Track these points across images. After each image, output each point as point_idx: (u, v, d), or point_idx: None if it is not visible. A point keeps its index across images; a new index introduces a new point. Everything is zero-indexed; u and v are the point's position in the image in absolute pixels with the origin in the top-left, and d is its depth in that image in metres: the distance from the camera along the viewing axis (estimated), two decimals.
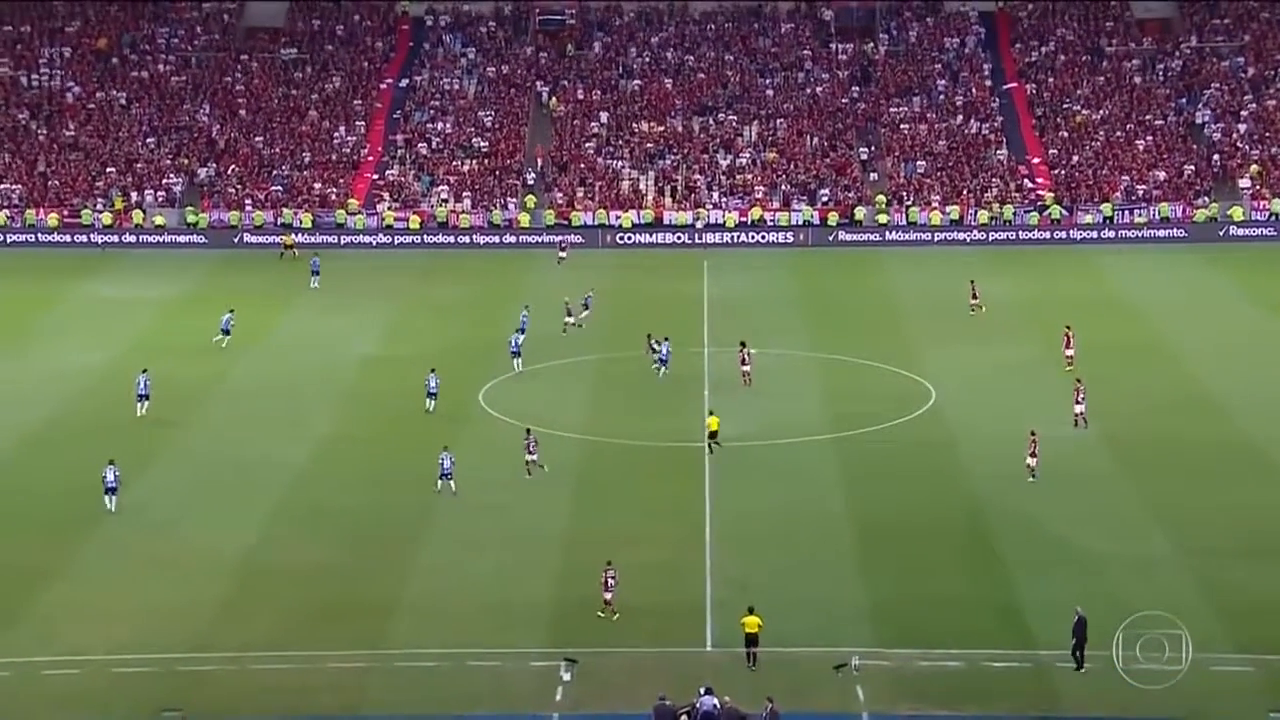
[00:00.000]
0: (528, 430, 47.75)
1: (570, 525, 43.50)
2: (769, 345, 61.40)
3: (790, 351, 60.85)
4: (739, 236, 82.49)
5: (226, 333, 60.34)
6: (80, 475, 46.46)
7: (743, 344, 56.48)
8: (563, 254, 77.28)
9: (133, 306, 68.21)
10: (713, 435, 49.19)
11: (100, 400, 52.96)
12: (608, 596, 37.82)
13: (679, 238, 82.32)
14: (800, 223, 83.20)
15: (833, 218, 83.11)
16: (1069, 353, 57.60)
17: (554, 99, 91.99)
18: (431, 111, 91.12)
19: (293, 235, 79.98)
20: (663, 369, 56.25)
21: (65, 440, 50.07)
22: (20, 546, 41.29)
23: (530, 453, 46.69)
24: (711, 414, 50.17)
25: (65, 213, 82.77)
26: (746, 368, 55.70)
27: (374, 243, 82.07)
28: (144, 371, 52.64)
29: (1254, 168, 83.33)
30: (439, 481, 45.41)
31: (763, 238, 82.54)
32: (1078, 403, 50.39)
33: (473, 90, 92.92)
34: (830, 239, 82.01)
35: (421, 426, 52.07)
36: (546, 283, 71.39)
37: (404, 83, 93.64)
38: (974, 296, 65.94)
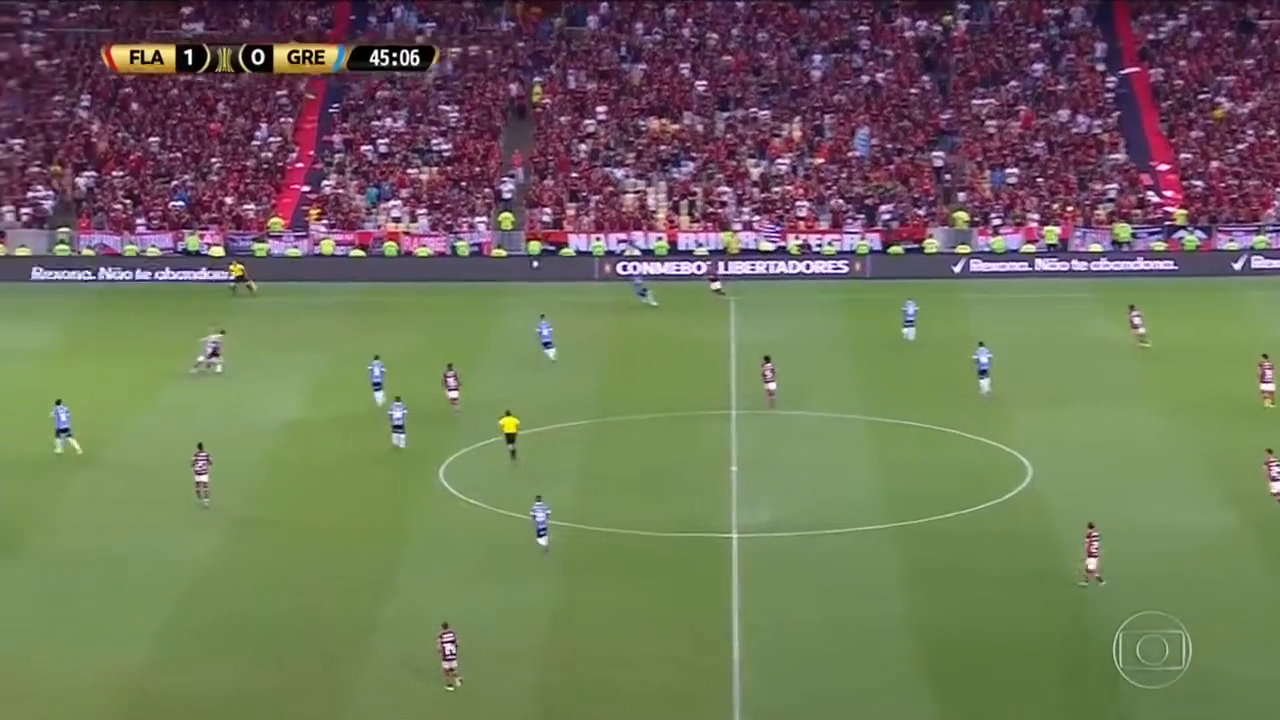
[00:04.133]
0: (200, 446, 51.90)
1: (551, 639, 43.52)
2: (812, 406, 61.57)
3: (839, 414, 60.97)
4: (776, 266, 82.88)
5: (215, 354, 64.75)
6: None
7: (766, 359, 60.68)
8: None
9: None
10: (510, 439, 54.84)
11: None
12: (449, 666, 39.82)
13: (699, 268, 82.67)
14: (855, 249, 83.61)
15: (898, 243, 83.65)
16: (1267, 387, 59.01)
17: (537, 89, 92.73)
18: (379, 105, 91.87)
19: (241, 264, 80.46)
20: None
21: None
22: None
23: (200, 473, 51.38)
24: (508, 414, 55.24)
25: None
26: (771, 385, 59.81)
27: (304, 274, 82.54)
28: (59, 403, 56.79)
29: None
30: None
31: (807, 268, 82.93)
32: (1274, 479, 50.27)
33: (432, 77, 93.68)
34: (894, 269, 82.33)
35: (361, 508, 52.22)
36: (533, 323, 71.75)
37: None
38: (1135, 327, 67.63)
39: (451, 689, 40.09)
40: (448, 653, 40.14)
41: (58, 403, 57.07)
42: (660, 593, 46.32)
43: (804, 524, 50.83)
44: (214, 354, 66.18)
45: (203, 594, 46.34)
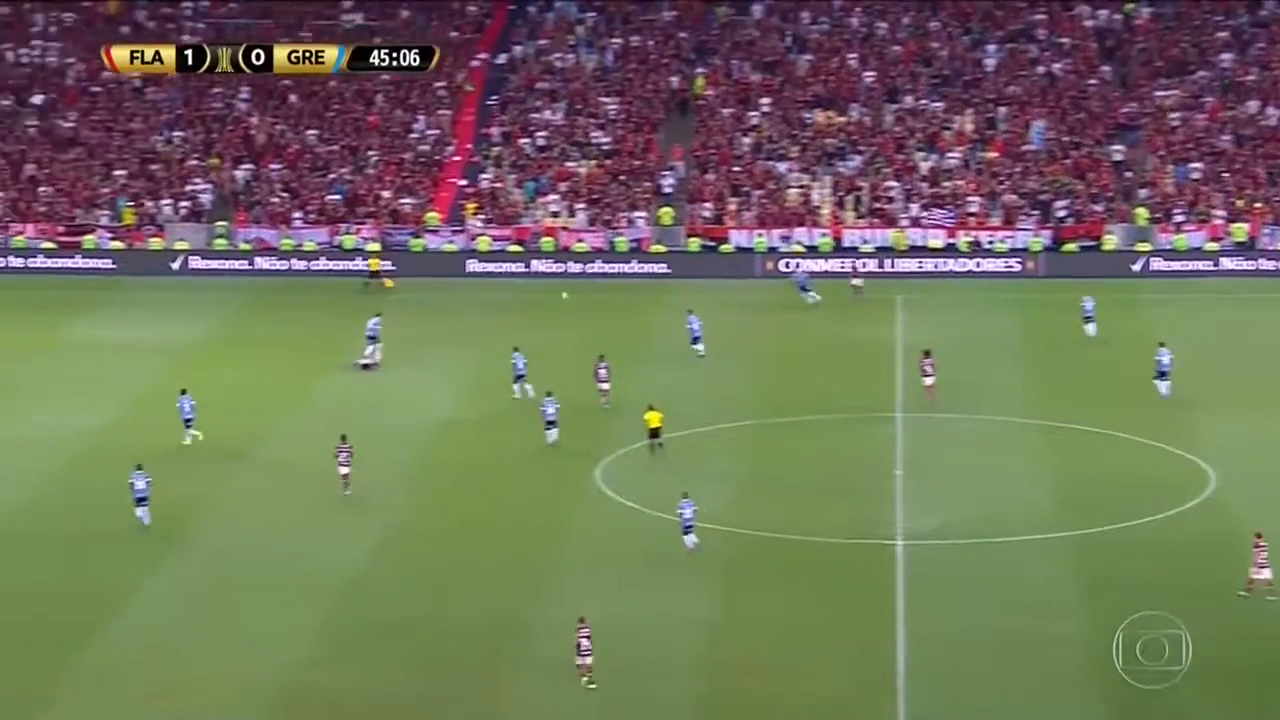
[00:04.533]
0: (343, 437, 53.66)
1: (710, 647, 43.60)
2: (982, 409, 61.13)
3: (1010, 418, 60.52)
4: (945, 264, 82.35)
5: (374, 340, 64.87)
6: (61, 578, 47.84)
7: (927, 353, 61.67)
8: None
9: (140, 354, 70.09)
10: (654, 434, 55.62)
11: (92, 479, 54.26)
12: (585, 662, 40.67)
13: (864, 265, 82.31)
14: (1028, 246, 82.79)
15: (1073, 240, 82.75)
16: None
17: (700, 80, 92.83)
18: (538, 97, 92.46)
19: (379, 259, 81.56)
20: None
21: (46, 532, 51.47)
22: None
23: (343, 465, 53.20)
24: (652, 408, 56.21)
25: (60, 230, 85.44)
26: (929, 380, 60.03)
27: (457, 270, 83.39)
28: (184, 393, 58.05)
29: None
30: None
31: (977, 265, 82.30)
32: None
33: (592, 68, 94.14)
34: (1069, 267, 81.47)
35: (516, 509, 52.71)
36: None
37: (502, 58, 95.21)
38: None
39: (591, 685, 40.63)
40: (583, 648, 40.77)
41: (182, 393, 58.51)
42: (822, 601, 46.24)
43: (972, 532, 50.49)
44: (372, 340, 67.09)
45: (358, 594, 46.99)
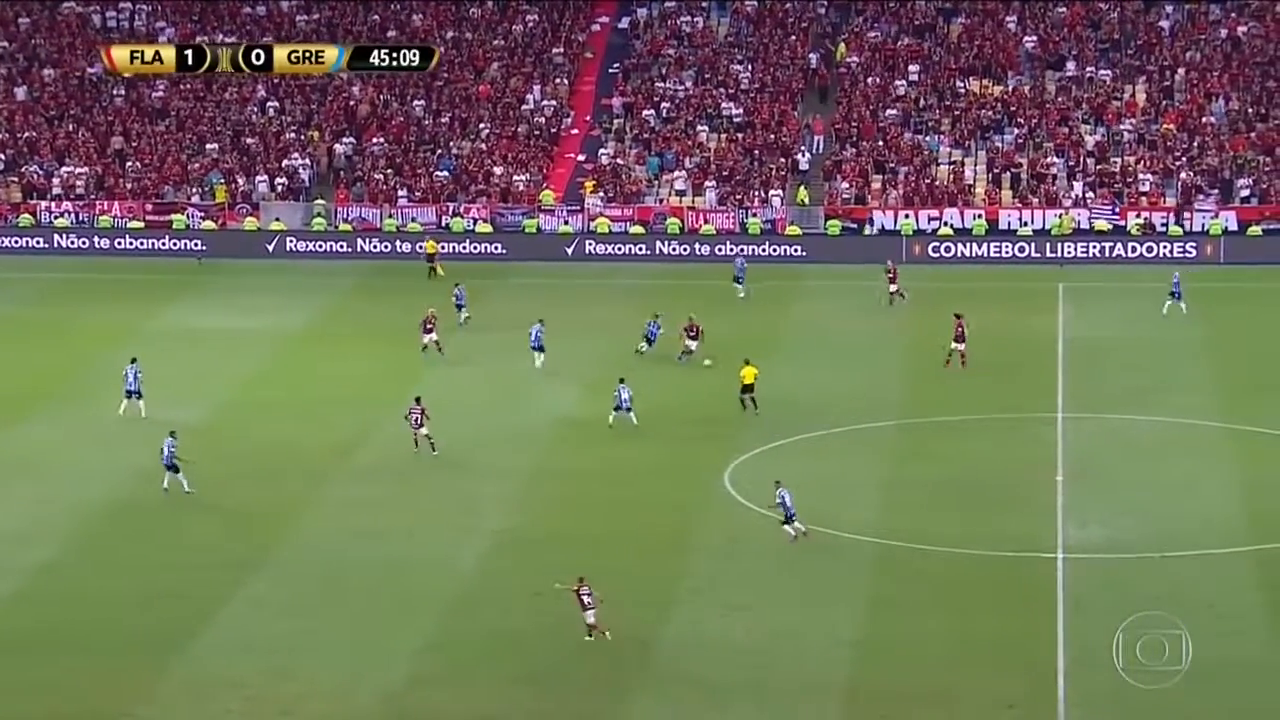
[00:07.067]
0: (417, 399, 57.02)
1: (854, 669, 43.53)
2: (1155, 409, 60.69)
3: (1186, 420, 59.96)
4: (1114, 249, 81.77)
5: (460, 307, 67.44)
6: (151, 583, 48.53)
7: (959, 315, 64.91)
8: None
9: (234, 342, 71.04)
10: (747, 390, 58.50)
11: (186, 476, 55.04)
12: (590, 618, 43.78)
13: (1022, 249, 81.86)
14: (1207, 229, 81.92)
15: (1258, 222, 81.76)
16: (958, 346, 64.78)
17: (841, 45, 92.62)
18: (664, 65, 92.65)
19: (435, 242, 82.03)
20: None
21: (133, 534, 52.33)
22: (73, 693, 42.82)
23: (417, 426, 56.45)
24: (748, 363, 59.51)
25: (148, 208, 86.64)
26: (961, 346, 62.81)
27: (571, 251, 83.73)
28: (133, 362, 61.21)
29: None
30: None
31: (1149, 250, 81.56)
32: None
33: (724, 32, 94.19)
34: (1254, 252, 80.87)
35: (639, 516, 52.88)
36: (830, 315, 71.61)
37: (624, 22, 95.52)
38: None
39: (591, 639, 43.65)
40: (586, 603, 43.80)
41: (131, 361, 60.87)
42: (975, 620, 46.07)
43: (1143, 545, 50.05)
44: (459, 307, 69.99)
45: (468, 607, 47.32)
